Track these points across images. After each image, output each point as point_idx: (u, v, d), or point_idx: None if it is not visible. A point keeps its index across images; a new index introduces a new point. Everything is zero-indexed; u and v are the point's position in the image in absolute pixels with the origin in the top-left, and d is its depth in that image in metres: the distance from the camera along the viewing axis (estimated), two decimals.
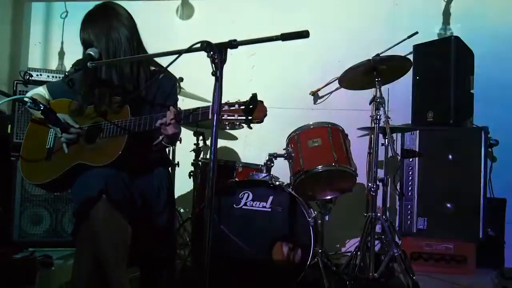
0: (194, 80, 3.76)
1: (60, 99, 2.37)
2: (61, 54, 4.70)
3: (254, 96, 1.81)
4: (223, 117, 1.83)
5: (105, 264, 2.01)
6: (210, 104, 1.78)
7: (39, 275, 2.91)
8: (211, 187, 1.69)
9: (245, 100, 1.83)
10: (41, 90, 2.47)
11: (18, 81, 3.73)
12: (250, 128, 1.88)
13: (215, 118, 1.67)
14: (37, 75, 3.83)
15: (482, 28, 4.14)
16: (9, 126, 3.81)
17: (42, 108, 2.13)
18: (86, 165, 2.15)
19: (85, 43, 2.24)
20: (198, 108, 2.02)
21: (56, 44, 4.72)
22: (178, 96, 3.55)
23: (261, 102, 1.83)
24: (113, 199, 2.03)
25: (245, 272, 2.81)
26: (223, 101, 1.77)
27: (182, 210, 4.06)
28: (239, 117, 1.83)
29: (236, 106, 1.83)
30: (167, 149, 3.67)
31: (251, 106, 1.80)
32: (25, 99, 2.19)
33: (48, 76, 3.87)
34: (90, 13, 2.30)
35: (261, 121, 1.85)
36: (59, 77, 3.78)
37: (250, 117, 1.82)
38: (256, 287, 2.80)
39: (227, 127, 1.89)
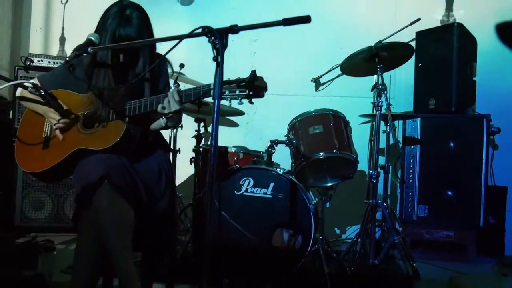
0: (195, 66, 3.76)
1: (54, 90, 2.34)
2: (62, 40, 4.68)
3: (254, 72, 1.89)
4: (225, 93, 1.90)
5: (109, 250, 2.02)
6: (212, 82, 1.83)
7: (40, 259, 2.93)
8: (212, 173, 1.69)
9: (245, 77, 1.91)
10: (33, 83, 2.45)
11: (19, 67, 3.72)
12: (252, 103, 1.96)
13: (216, 103, 1.67)
14: (38, 61, 3.82)
15: (485, 14, 4.11)
16: (10, 112, 3.82)
17: (43, 93, 2.12)
18: (86, 150, 2.15)
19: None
20: (199, 86, 2.07)
21: (57, 30, 4.70)
22: (179, 82, 3.59)
23: (261, 77, 1.92)
24: (115, 184, 2.03)
25: (245, 258, 2.82)
26: (224, 79, 1.83)
27: (182, 195, 4.05)
28: (240, 93, 1.92)
29: (237, 82, 1.92)
30: (168, 135, 3.72)
31: (251, 82, 1.89)
32: (26, 84, 2.17)
33: (49, 62, 3.86)
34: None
35: (261, 95, 1.93)
36: (60, 63, 3.77)
37: (251, 92, 1.90)
38: (257, 273, 2.82)
39: (230, 103, 1.95)
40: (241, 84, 1.92)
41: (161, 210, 2.27)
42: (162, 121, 2.24)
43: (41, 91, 2.12)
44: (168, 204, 2.31)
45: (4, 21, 4.58)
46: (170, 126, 2.30)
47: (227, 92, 1.92)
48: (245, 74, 1.95)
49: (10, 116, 3.81)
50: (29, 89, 2.14)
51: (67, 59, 2.11)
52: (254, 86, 1.90)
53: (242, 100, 1.95)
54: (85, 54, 2.12)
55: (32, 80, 2.36)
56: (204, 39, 1.73)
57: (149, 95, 2.23)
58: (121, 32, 2.18)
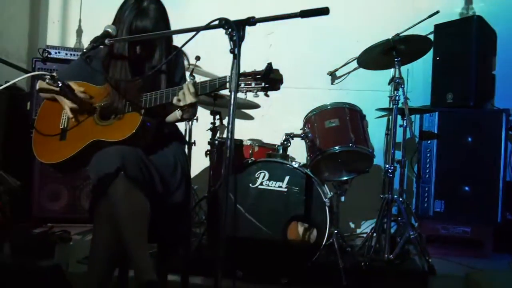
0: (211, 59, 3.74)
1: (71, 82, 2.35)
2: (79, 32, 4.71)
3: (270, 65, 1.88)
4: (240, 86, 1.90)
5: (125, 241, 2.03)
6: (227, 75, 1.82)
7: (57, 250, 2.96)
8: (227, 166, 1.69)
9: (261, 69, 1.90)
10: (52, 74, 2.46)
11: (37, 59, 3.76)
12: (267, 96, 1.94)
13: (232, 95, 1.66)
14: (55, 53, 3.85)
15: (506, 7, 4.03)
16: (28, 103, 3.85)
17: (60, 85, 2.14)
18: (103, 141, 2.16)
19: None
20: (215, 79, 2.06)
21: (74, 22, 4.73)
22: (195, 75, 3.58)
23: (277, 70, 1.90)
24: (130, 176, 2.03)
25: (260, 251, 2.82)
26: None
27: (196, 188, 4.06)
28: (256, 85, 1.91)
29: (253, 75, 1.91)
30: (184, 128, 3.72)
31: (267, 74, 1.87)
32: (45, 76, 2.19)
33: (66, 54, 3.89)
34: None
35: (277, 88, 1.92)
36: (77, 55, 3.80)
37: (266, 85, 1.89)
38: (271, 266, 2.82)
39: (245, 96, 1.95)
40: (257, 76, 1.91)
41: (176, 202, 2.28)
42: (177, 113, 2.23)
43: (58, 82, 2.14)
44: (183, 196, 2.31)
45: (22, 13, 4.62)
46: (186, 119, 2.29)
47: (242, 85, 1.91)
48: (260, 67, 1.94)
49: (28, 107, 3.85)
50: (47, 80, 2.15)
51: (84, 50, 2.11)
52: (270, 79, 1.89)
53: (258, 93, 1.94)
54: (102, 46, 2.13)
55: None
56: (220, 31, 1.72)
57: (165, 87, 2.24)
58: (138, 24, 2.18)
